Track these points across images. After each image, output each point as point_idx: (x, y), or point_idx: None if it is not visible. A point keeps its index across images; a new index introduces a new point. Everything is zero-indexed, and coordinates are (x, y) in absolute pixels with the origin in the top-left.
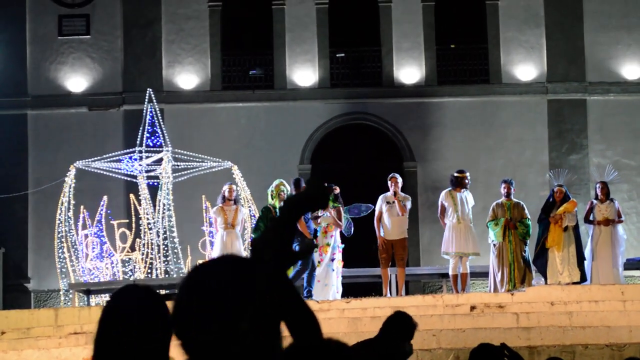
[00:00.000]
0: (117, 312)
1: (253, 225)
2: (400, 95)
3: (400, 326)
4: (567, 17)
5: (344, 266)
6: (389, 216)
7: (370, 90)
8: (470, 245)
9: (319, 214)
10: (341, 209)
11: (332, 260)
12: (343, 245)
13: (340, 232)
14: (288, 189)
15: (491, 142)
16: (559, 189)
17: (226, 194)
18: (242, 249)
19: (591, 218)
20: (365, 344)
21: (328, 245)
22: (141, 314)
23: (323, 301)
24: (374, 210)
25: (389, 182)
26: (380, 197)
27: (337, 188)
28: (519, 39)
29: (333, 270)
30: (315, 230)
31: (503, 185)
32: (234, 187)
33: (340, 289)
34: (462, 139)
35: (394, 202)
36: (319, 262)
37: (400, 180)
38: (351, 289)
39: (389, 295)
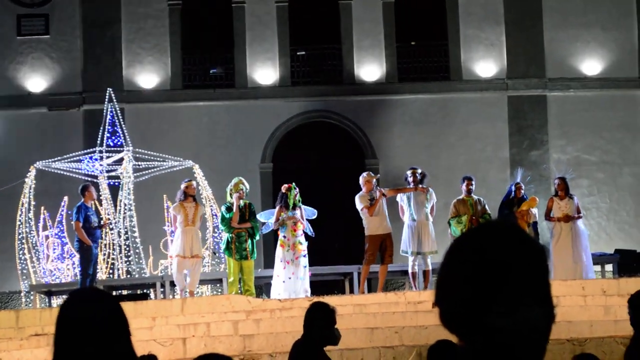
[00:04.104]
0: (71, 316)
1: (217, 223)
2: (361, 93)
3: (321, 315)
4: (527, 14)
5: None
6: None
7: (331, 88)
8: (425, 244)
9: (286, 214)
10: (303, 209)
11: (304, 256)
12: (306, 243)
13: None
14: (247, 187)
15: (452, 139)
16: (519, 186)
17: (186, 190)
18: (202, 246)
19: (551, 215)
20: (298, 343)
21: (300, 243)
22: (95, 316)
23: (285, 300)
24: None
25: None
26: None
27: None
28: (479, 36)
29: (305, 267)
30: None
31: (465, 182)
32: (193, 183)
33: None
34: (423, 135)
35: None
36: (292, 259)
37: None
38: (313, 287)
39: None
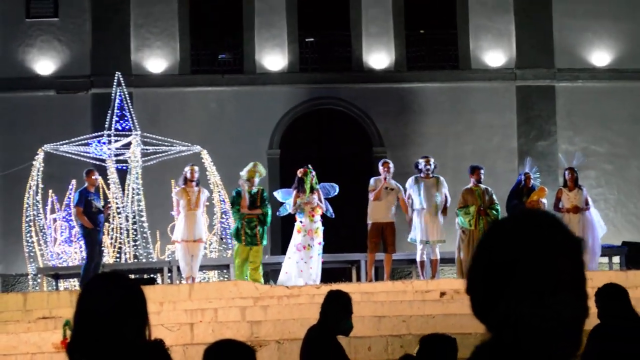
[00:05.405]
0: (92, 301)
1: (224, 209)
2: (370, 81)
3: (338, 304)
4: (536, 3)
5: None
6: None
7: (340, 75)
8: (433, 233)
9: (303, 200)
10: (320, 191)
11: (319, 244)
12: (323, 228)
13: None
14: (262, 171)
15: (460, 128)
16: (529, 176)
17: (188, 175)
18: (205, 231)
19: (560, 206)
20: (311, 329)
21: (318, 229)
22: (116, 301)
23: (293, 287)
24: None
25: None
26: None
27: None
28: (488, 25)
29: (319, 254)
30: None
31: (475, 172)
32: (196, 168)
33: (319, 274)
34: (431, 124)
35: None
36: (308, 245)
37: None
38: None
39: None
